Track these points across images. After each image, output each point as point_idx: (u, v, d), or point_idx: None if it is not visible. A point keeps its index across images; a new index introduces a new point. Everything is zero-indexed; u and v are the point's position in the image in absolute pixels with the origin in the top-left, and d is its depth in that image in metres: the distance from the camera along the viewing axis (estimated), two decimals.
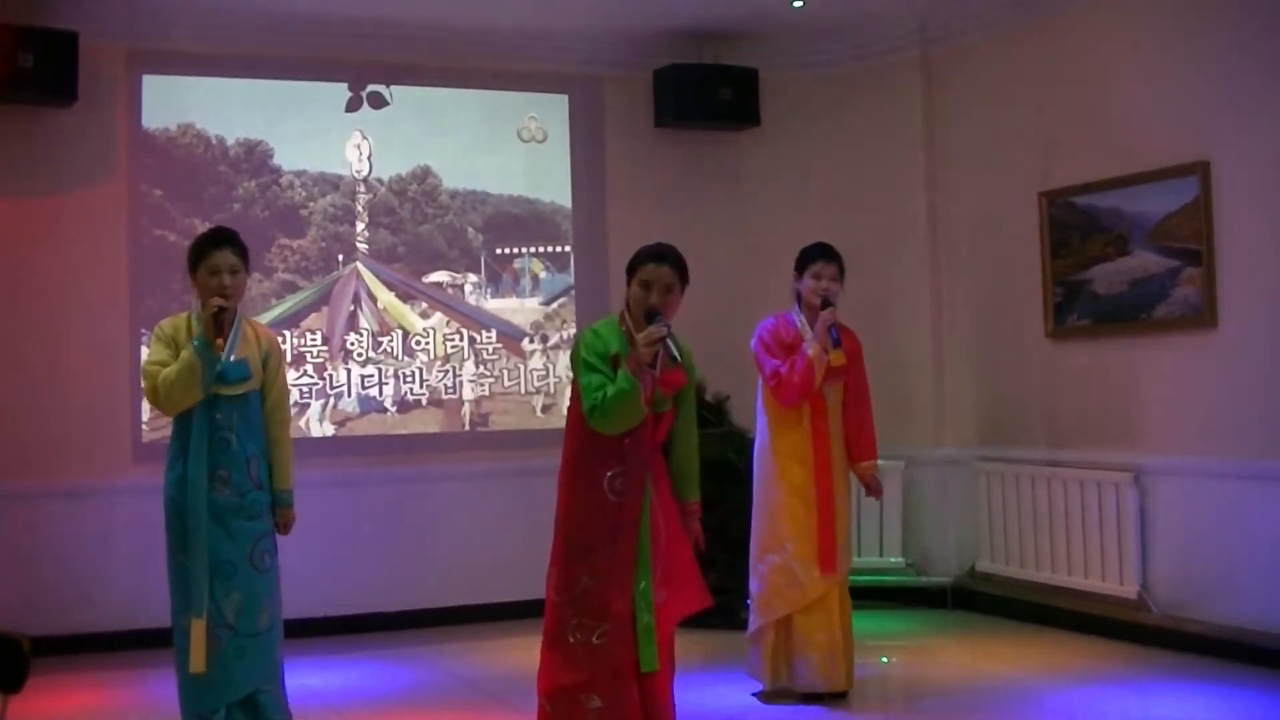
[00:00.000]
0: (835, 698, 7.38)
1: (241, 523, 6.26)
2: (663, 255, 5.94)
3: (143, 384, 6.35)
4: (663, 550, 5.92)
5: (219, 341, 6.18)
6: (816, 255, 7.47)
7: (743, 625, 9.04)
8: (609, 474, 5.86)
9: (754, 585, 7.47)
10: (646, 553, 5.87)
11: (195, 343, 6.17)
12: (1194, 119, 8.28)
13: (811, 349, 7.26)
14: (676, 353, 5.76)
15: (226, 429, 6.24)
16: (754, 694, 7.55)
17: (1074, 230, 9.04)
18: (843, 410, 7.51)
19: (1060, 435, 9.25)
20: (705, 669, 6.22)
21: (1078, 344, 9.11)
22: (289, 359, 9.45)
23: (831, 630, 7.33)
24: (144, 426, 9.34)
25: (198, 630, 6.16)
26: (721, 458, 8.99)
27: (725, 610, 8.93)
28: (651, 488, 5.91)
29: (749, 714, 7.21)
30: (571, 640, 5.89)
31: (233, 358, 6.29)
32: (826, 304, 7.32)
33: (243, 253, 6.39)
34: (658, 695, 5.97)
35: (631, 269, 5.96)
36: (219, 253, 6.30)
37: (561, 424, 5.96)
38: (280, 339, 7.83)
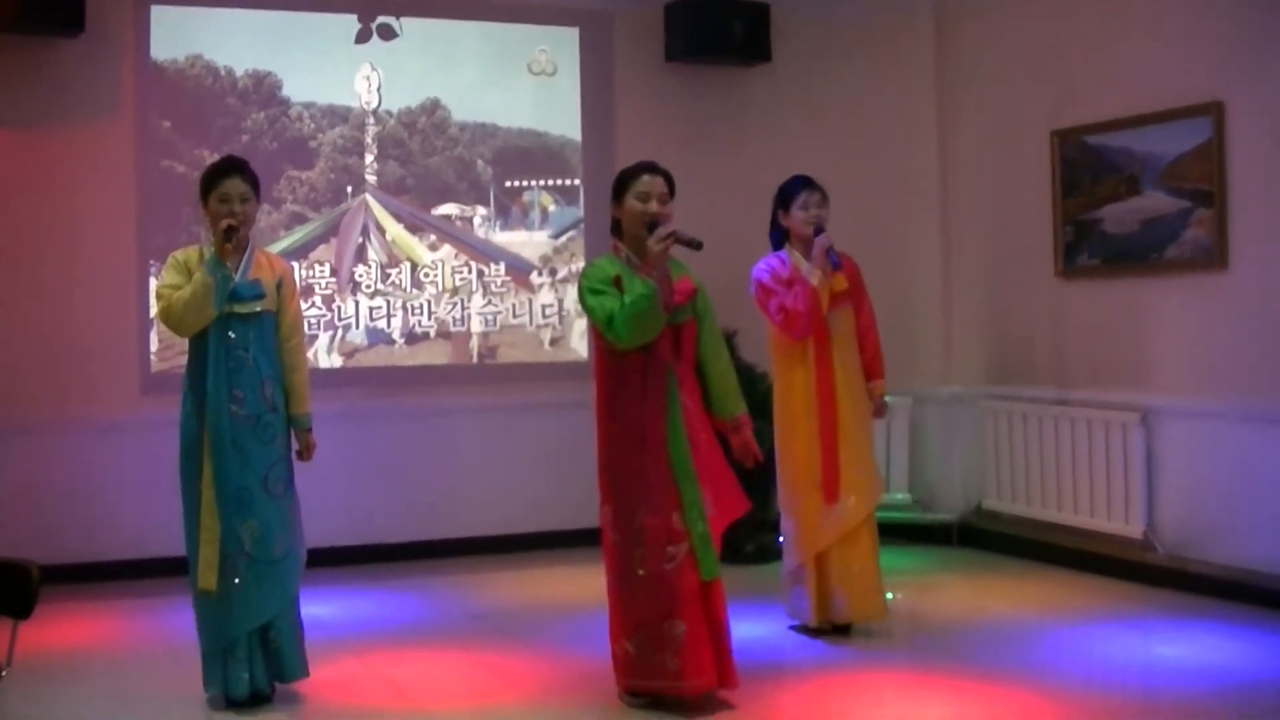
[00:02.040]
0: (839, 631, 7.43)
1: (256, 447, 6.29)
2: (654, 167, 6.25)
3: (155, 306, 6.39)
4: (704, 460, 6.06)
5: (227, 247, 6.18)
6: (800, 187, 7.45)
7: (748, 558, 9.13)
8: (642, 405, 6.07)
9: (787, 524, 7.49)
10: (688, 463, 6.05)
11: (207, 261, 6.21)
12: (1207, 60, 8.23)
13: (814, 277, 7.25)
14: (692, 237, 5.98)
15: (241, 348, 6.26)
16: (791, 626, 7.61)
17: (1085, 170, 9.01)
18: (856, 335, 7.52)
19: (1068, 375, 9.24)
20: None
21: (1087, 284, 9.09)
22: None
23: (866, 559, 7.40)
24: (153, 358, 9.34)
25: (209, 548, 6.21)
26: None
27: (731, 543, 8.98)
28: (684, 399, 6.04)
29: (766, 648, 7.24)
30: (641, 573, 6.06)
31: (246, 279, 6.32)
32: (819, 230, 7.29)
33: (253, 181, 6.42)
34: (716, 604, 6.16)
35: (623, 185, 6.22)
36: (229, 180, 6.34)
37: (570, 357, 6.11)
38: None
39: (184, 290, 6.20)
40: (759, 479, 7.49)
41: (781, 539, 7.62)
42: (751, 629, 7.51)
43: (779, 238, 7.53)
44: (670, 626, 6.03)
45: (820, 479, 7.35)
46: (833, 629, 7.44)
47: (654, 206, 6.14)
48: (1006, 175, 9.72)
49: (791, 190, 7.47)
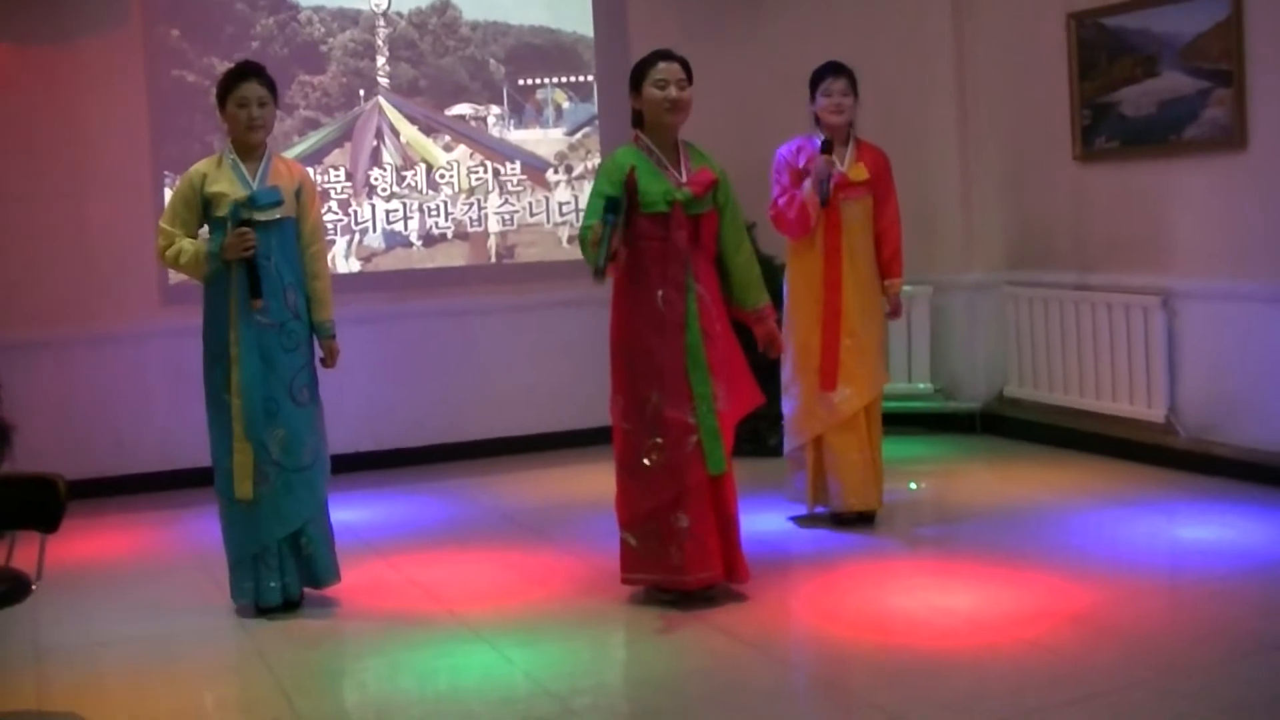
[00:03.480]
0: (864, 520, 7.46)
1: (281, 355, 6.33)
2: (670, 53, 6.33)
3: (158, 239, 6.42)
4: (719, 353, 6.09)
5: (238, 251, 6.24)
6: (825, 73, 7.42)
7: (773, 451, 9.13)
8: (659, 291, 6.09)
9: (787, 407, 7.52)
10: (701, 354, 6.11)
11: (210, 250, 6.27)
12: None
13: (807, 193, 7.22)
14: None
15: (263, 256, 6.27)
16: (790, 518, 7.64)
17: (1102, 52, 8.92)
18: (874, 226, 7.49)
19: (1088, 259, 9.20)
20: (739, 494, 6.33)
21: (1106, 167, 9.03)
22: None
23: (864, 449, 7.40)
24: (170, 270, 9.35)
25: (243, 455, 6.25)
26: None
27: (756, 436, 9.02)
28: (701, 290, 6.09)
29: (787, 540, 7.28)
30: (648, 463, 6.11)
31: (265, 186, 6.34)
32: (828, 147, 7.23)
33: (271, 85, 6.44)
34: (726, 498, 6.21)
35: (640, 75, 6.29)
36: (247, 84, 6.36)
37: None
38: None
39: (185, 254, 6.30)
40: (778, 371, 7.51)
41: (783, 423, 7.65)
42: (772, 521, 7.56)
43: (815, 117, 7.50)
44: (676, 519, 6.09)
45: (819, 365, 7.36)
46: (856, 518, 7.46)
47: (673, 92, 6.21)
48: (1023, 59, 9.62)
49: (818, 76, 7.44)
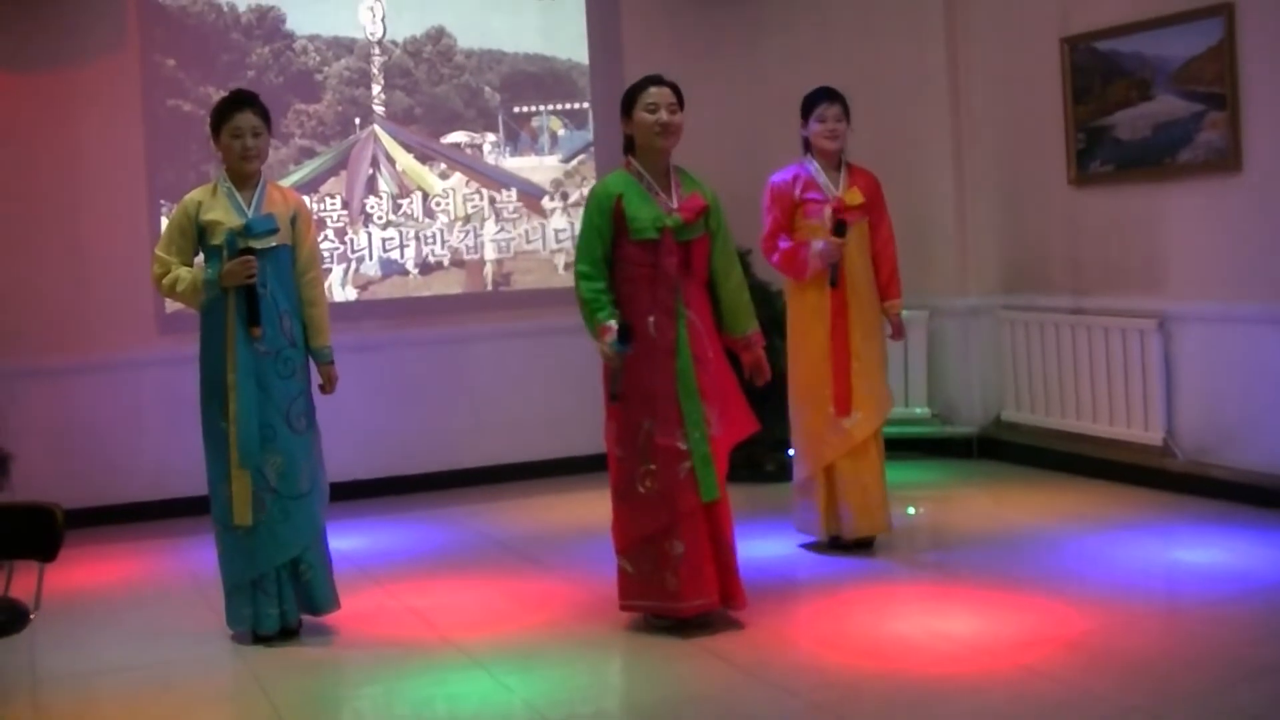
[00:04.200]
0: (863, 545, 7.46)
1: (277, 382, 6.33)
2: (660, 79, 6.34)
3: (153, 266, 6.43)
4: (712, 379, 6.12)
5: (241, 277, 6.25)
6: (820, 98, 7.44)
7: (770, 476, 9.15)
8: (650, 318, 6.11)
9: (795, 437, 7.51)
10: (693, 380, 6.13)
11: (208, 279, 6.27)
12: None
13: (814, 260, 7.22)
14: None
15: (259, 284, 6.27)
16: (801, 545, 7.63)
17: (1096, 76, 8.94)
18: (869, 249, 7.50)
19: (1084, 282, 9.21)
20: (737, 520, 6.32)
21: (1101, 190, 9.05)
22: None
23: (874, 473, 7.41)
24: (166, 298, 9.35)
25: (240, 482, 6.25)
26: None
27: (752, 462, 9.02)
28: (691, 316, 6.12)
29: (785, 565, 7.26)
30: (643, 490, 6.12)
31: (260, 214, 6.35)
32: (840, 228, 7.22)
33: (265, 114, 6.45)
34: (721, 524, 6.22)
35: (631, 100, 6.30)
36: (241, 114, 6.36)
37: None
38: None
39: (175, 278, 6.31)
40: (775, 398, 7.50)
41: (790, 451, 7.62)
42: (771, 547, 7.55)
43: (807, 147, 7.50)
44: (670, 546, 6.09)
45: (832, 392, 7.35)
46: (855, 544, 7.45)
47: (664, 116, 6.22)
48: (1017, 84, 9.65)
49: (812, 101, 7.45)
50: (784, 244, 7.34)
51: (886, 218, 7.59)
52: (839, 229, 7.19)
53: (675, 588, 6.09)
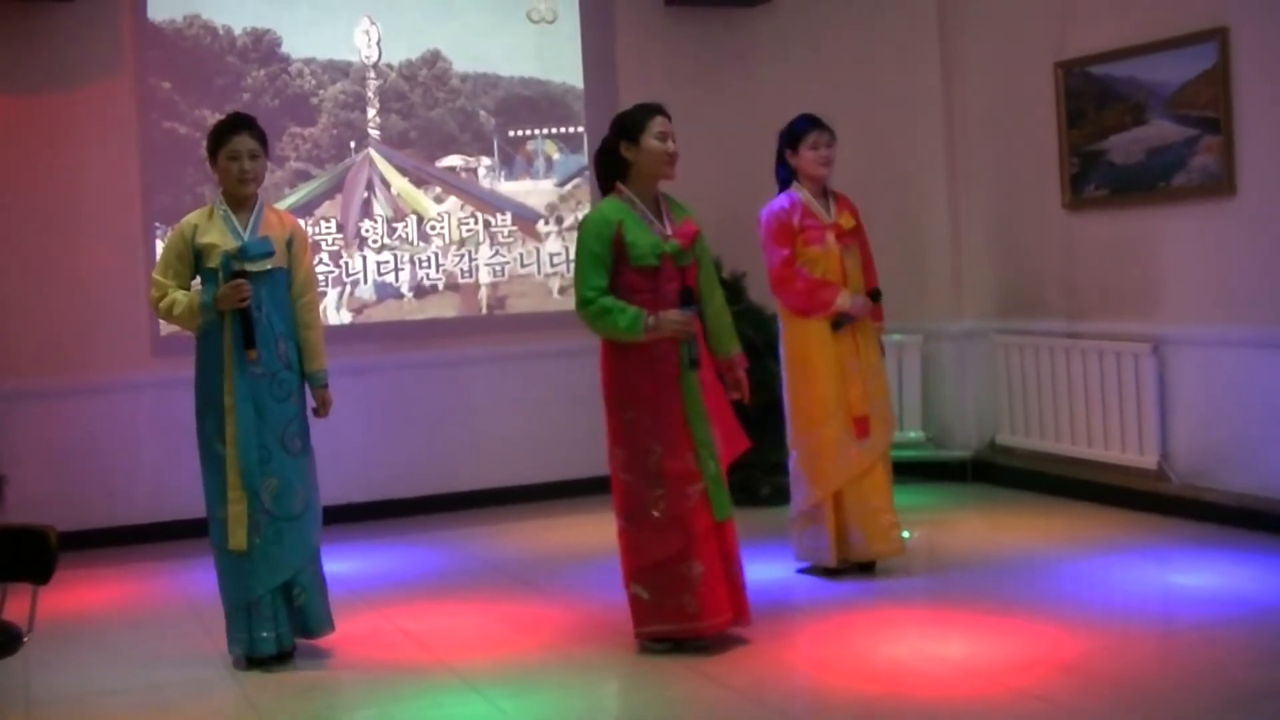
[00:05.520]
0: (864, 569, 7.45)
1: (273, 405, 6.33)
2: (661, 107, 6.39)
3: (151, 290, 6.44)
4: (712, 399, 6.27)
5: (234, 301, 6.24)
6: (811, 126, 7.43)
7: (764, 500, 9.14)
8: (653, 343, 6.15)
9: (802, 462, 7.46)
10: (699, 403, 6.18)
11: (203, 303, 6.27)
12: None
13: (841, 306, 7.23)
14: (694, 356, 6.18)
15: (254, 306, 6.27)
16: (799, 569, 7.62)
17: (1090, 100, 8.96)
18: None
19: (1079, 306, 9.22)
20: None
21: (1095, 214, 9.06)
22: None
23: (883, 495, 7.41)
24: (162, 321, 9.35)
25: (237, 505, 6.24)
26: (740, 335, 9.01)
27: (747, 486, 9.02)
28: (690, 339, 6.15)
29: (781, 589, 7.25)
30: (657, 514, 6.12)
31: (256, 237, 6.36)
32: (878, 294, 7.35)
33: (262, 138, 6.46)
34: (730, 542, 6.27)
35: (639, 126, 6.31)
36: (238, 137, 6.37)
37: None
38: None
39: (172, 301, 6.31)
40: (769, 421, 7.49)
41: (791, 479, 7.59)
42: (766, 571, 7.52)
43: (786, 176, 7.50)
44: (688, 568, 6.10)
45: (852, 414, 7.33)
46: (856, 568, 7.44)
47: (672, 146, 6.28)
48: (1011, 108, 9.67)
49: (800, 130, 7.44)
50: (803, 273, 7.33)
51: (866, 243, 7.62)
52: (874, 295, 7.28)
53: (695, 609, 6.10)
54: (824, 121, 7.47)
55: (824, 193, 7.48)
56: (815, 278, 7.31)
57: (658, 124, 6.26)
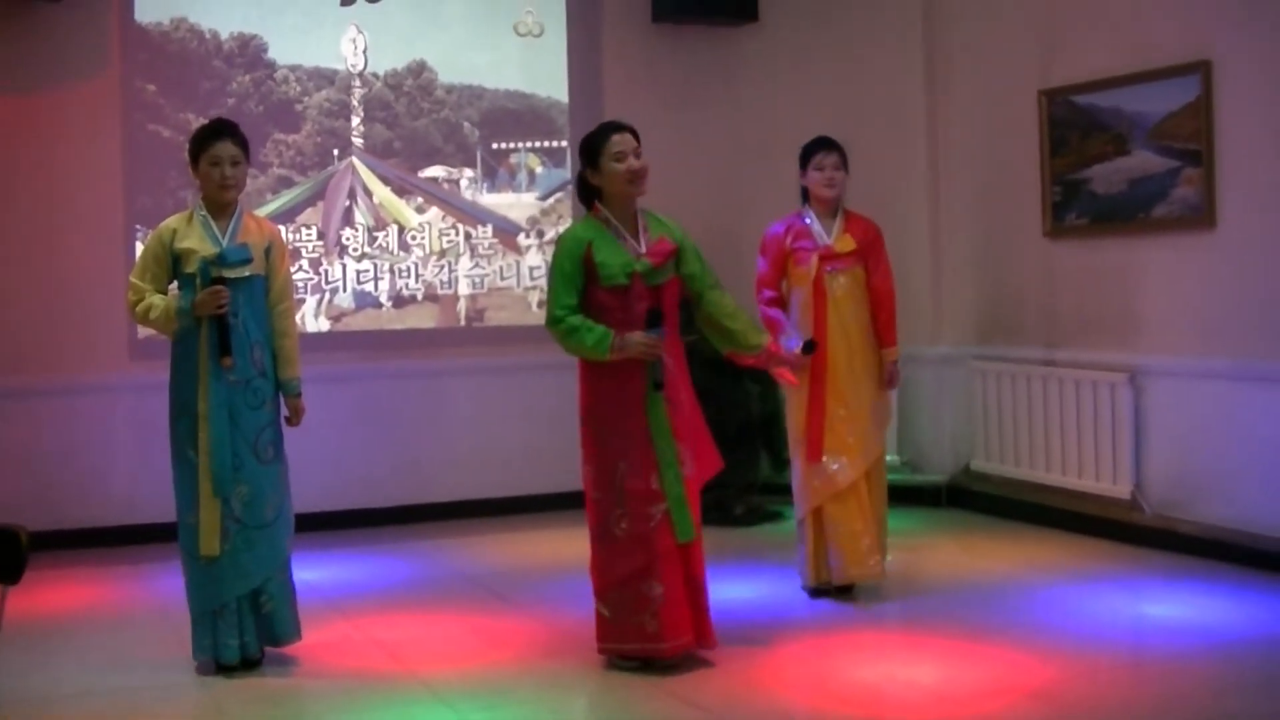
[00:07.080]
0: (843, 591, 7.43)
1: (246, 412, 6.31)
2: (619, 125, 6.33)
3: (128, 294, 6.42)
4: (685, 420, 6.19)
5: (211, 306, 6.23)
6: (818, 147, 7.48)
7: (738, 520, 9.15)
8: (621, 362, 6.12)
9: (793, 478, 7.51)
10: (665, 423, 6.15)
11: (180, 308, 6.25)
12: (1196, 17, 8.20)
13: (783, 351, 7.06)
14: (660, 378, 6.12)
15: (231, 313, 6.25)
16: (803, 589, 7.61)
17: (1074, 129, 8.99)
18: (868, 296, 7.51)
19: (1057, 334, 9.25)
20: (706, 564, 6.32)
21: (1076, 243, 9.09)
22: None
23: (865, 518, 7.38)
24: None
25: (209, 511, 6.23)
26: (718, 353, 9.00)
27: (720, 505, 9.03)
28: (664, 359, 6.10)
29: (753, 609, 7.24)
30: (619, 532, 6.12)
31: (234, 243, 6.34)
32: (810, 348, 7.04)
33: (243, 144, 6.44)
34: (695, 565, 6.23)
35: (596, 149, 6.26)
36: (220, 143, 6.36)
37: None
38: None
39: (156, 312, 6.29)
40: (745, 440, 7.50)
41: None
42: (740, 591, 7.53)
43: (805, 195, 7.53)
44: (648, 587, 6.08)
45: (804, 437, 7.36)
46: (836, 590, 7.43)
47: (633, 163, 6.21)
48: (994, 135, 9.70)
49: (810, 151, 7.49)
50: (770, 297, 7.39)
51: (884, 265, 7.57)
52: (807, 348, 7.02)
53: (655, 630, 6.08)
54: (834, 142, 7.49)
55: (835, 214, 7.48)
56: (767, 312, 7.37)
57: (615, 144, 6.20)
